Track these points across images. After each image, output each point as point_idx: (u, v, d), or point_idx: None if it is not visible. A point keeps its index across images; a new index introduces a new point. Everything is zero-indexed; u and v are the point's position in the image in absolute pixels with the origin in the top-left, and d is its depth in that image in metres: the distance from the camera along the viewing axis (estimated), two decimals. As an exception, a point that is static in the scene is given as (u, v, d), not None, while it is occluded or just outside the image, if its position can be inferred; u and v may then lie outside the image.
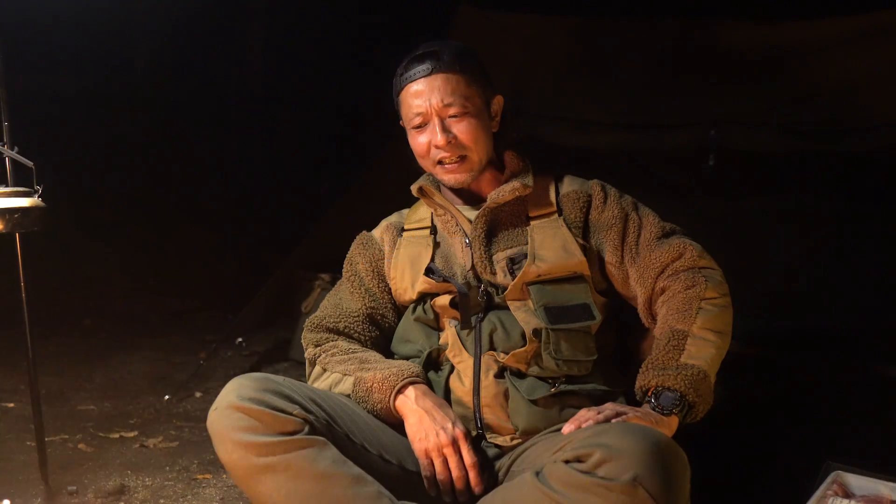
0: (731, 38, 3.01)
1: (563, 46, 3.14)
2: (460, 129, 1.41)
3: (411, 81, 1.42)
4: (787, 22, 2.97)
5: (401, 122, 1.52)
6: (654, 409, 1.24)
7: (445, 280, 1.42)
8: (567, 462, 1.08)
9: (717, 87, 3.02)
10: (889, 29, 2.74)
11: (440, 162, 1.44)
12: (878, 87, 2.84)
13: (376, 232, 1.59)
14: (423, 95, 1.40)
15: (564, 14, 3.24)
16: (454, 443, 1.26)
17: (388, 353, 1.51)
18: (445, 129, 1.40)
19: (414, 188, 1.53)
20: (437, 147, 1.42)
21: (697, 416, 1.27)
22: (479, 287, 1.41)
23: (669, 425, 1.22)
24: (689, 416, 1.26)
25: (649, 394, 1.27)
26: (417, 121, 1.42)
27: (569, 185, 1.50)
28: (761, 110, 3.01)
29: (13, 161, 1.78)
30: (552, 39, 3.16)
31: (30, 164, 1.77)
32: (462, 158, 1.43)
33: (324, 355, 1.45)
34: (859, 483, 1.11)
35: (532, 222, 1.45)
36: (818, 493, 1.12)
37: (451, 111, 1.40)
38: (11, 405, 2.68)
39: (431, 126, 1.41)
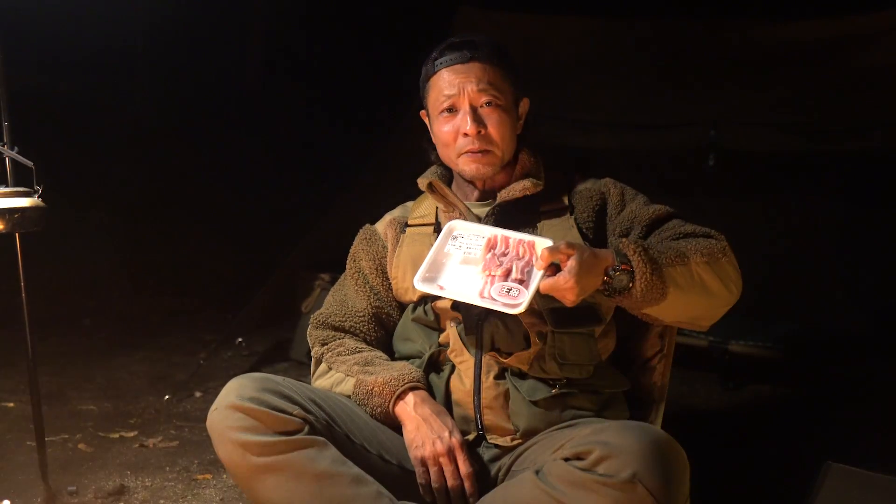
0: (730, 38, 3.01)
1: (563, 46, 3.15)
2: (491, 121, 1.38)
3: (446, 66, 1.38)
4: (787, 22, 2.97)
5: (421, 113, 1.48)
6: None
7: None
8: (567, 460, 1.08)
9: (717, 87, 3.02)
10: (889, 29, 2.74)
11: (465, 152, 1.40)
12: (878, 87, 2.84)
13: (379, 227, 1.55)
14: (457, 80, 1.36)
15: (565, 14, 3.24)
16: (450, 452, 1.25)
17: (391, 349, 1.49)
18: (476, 119, 1.37)
19: (423, 183, 1.49)
20: (465, 135, 1.37)
21: (626, 284, 1.19)
22: None
23: (599, 256, 1.17)
24: (618, 276, 1.18)
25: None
26: (447, 104, 1.38)
27: (581, 182, 1.48)
28: (761, 110, 3.02)
29: (13, 161, 1.78)
30: (552, 39, 3.16)
31: (30, 164, 1.77)
32: (486, 152, 1.40)
33: (329, 354, 1.44)
34: None
35: (543, 219, 1.42)
36: None
37: (484, 99, 1.37)
38: (11, 405, 2.68)
39: (462, 114, 1.37)
